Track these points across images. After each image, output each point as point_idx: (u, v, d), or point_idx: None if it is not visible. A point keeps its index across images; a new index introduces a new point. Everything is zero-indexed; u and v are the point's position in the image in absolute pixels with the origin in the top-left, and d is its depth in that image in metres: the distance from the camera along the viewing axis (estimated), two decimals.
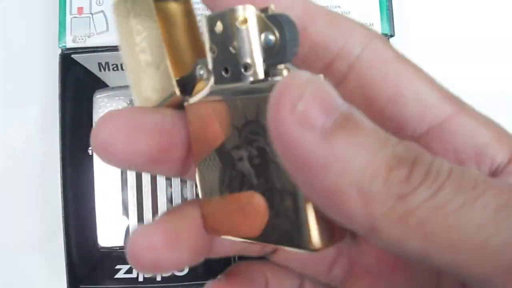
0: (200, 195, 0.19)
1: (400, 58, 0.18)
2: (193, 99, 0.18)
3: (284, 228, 0.16)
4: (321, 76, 0.14)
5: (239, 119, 0.17)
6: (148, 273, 0.18)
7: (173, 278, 0.34)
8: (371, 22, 0.35)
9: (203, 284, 0.33)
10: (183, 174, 0.20)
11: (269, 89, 0.14)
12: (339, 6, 0.35)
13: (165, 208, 0.34)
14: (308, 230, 0.15)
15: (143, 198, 0.34)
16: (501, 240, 0.13)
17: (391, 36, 0.35)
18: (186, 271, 0.35)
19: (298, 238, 0.16)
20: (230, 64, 0.17)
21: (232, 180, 0.18)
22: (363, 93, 0.18)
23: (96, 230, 0.34)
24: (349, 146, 0.13)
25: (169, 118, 0.19)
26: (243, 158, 0.17)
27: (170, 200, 0.35)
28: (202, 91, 0.18)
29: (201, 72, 0.18)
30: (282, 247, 0.17)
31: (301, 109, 0.13)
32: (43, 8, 0.39)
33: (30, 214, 0.38)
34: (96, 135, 0.18)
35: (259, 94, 0.16)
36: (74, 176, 0.34)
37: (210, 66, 0.17)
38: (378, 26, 0.34)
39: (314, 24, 0.18)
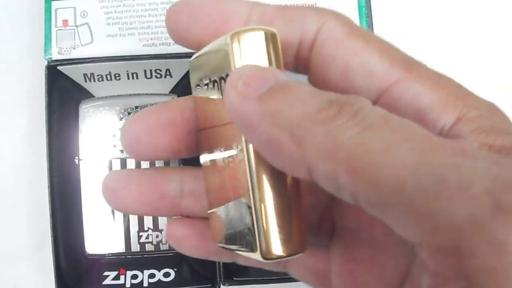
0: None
1: (352, 33, 0.19)
2: None
3: (248, 240, 0.19)
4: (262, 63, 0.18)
5: (222, 144, 0.20)
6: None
7: (160, 283, 0.35)
8: None
9: None
10: (197, 154, 0.23)
11: None
12: None
13: (151, 216, 0.35)
14: (265, 242, 0.18)
15: None
16: (418, 183, 0.13)
17: None
18: (172, 276, 0.35)
19: (257, 248, 0.18)
20: None
21: (222, 196, 0.20)
22: (321, 74, 0.20)
23: (84, 238, 0.35)
24: (280, 102, 0.16)
25: (178, 112, 0.22)
26: (226, 176, 0.20)
27: None
28: None
29: None
30: (245, 254, 0.19)
31: (240, 86, 0.17)
32: (29, 21, 0.40)
33: (19, 223, 0.38)
34: (124, 135, 0.22)
35: None
36: (61, 185, 0.35)
37: None
38: None
39: (272, 26, 0.19)
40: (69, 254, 0.35)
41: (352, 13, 0.35)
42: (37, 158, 0.37)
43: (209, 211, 0.22)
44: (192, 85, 0.22)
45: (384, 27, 0.39)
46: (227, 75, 0.18)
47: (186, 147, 0.22)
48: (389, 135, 0.14)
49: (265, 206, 0.18)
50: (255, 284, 0.34)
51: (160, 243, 0.35)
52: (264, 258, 0.18)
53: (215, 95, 0.20)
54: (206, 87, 0.20)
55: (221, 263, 0.34)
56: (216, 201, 0.21)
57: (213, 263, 0.34)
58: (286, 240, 0.18)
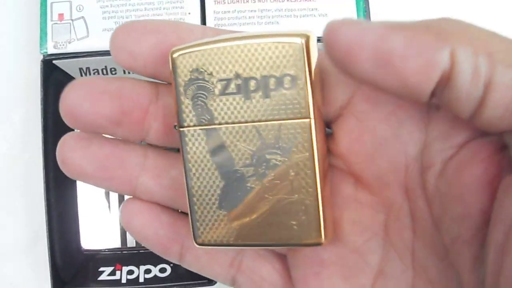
0: (190, 212, 0.21)
1: None
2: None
3: (296, 230, 0.20)
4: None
5: (255, 142, 0.20)
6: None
7: (156, 279, 0.34)
8: None
9: (185, 285, 0.34)
10: (144, 138, 0.22)
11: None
12: (316, 9, 0.35)
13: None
14: (320, 229, 0.20)
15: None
16: None
17: None
18: (168, 272, 0.35)
19: (310, 236, 0.20)
20: None
21: (238, 195, 0.21)
22: None
23: (80, 233, 0.35)
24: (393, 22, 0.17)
25: (129, 85, 0.21)
26: (255, 174, 0.20)
27: None
28: None
29: None
30: (291, 247, 0.21)
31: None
32: (25, 15, 0.39)
33: (14, 218, 0.38)
34: (64, 101, 0.20)
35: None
36: (57, 179, 0.35)
37: None
38: None
39: None
40: (65, 250, 0.35)
41: (349, 6, 0.35)
42: (33, 152, 0.37)
43: (195, 210, 0.21)
44: (182, 78, 0.20)
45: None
46: (284, 74, 0.19)
47: (130, 124, 0.21)
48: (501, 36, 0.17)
49: (324, 198, 0.20)
50: None
51: None
52: (320, 243, 0.20)
53: (242, 93, 0.20)
54: (221, 84, 0.20)
55: None
56: (219, 199, 0.21)
57: None
58: (331, 225, 0.21)
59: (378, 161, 0.20)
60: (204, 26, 0.21)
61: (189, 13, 0.34)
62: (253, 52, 0.19)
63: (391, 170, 0.20)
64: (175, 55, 0.20)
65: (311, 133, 0.20)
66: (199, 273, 0.24)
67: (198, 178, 0.21)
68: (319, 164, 0.20)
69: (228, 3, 0.35)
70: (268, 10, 0.35)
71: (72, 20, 0.34)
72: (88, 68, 0.35)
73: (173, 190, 0.22)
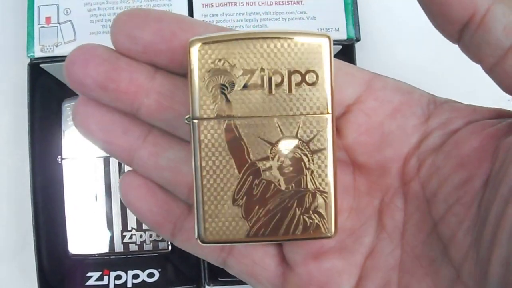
0: (197, 208, 0.21)
1: None
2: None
3: (308, 224, 0.21)
4: None
5: (275, 135, 0.20)
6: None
7: (144, 284, 0.34)
8: (336, 27, 0.35)
9: None
10: (135, 111, 0.22)
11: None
12: (304, 12, 0.35)
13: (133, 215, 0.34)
14: (332, 222, 0.21)
15: (113, 205, 0.35)
16: None
17: (357, 40, 0.35)
18: (156, 277, 0.35)
19: (321, 229, 0.21)
20: None
21: (253, 188, 0.21)
22: None
23: (67, 238, 0.34)
24: None
25: (126, 58, 0.21)
26: (272, 167, 0.20)
27: None
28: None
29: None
30: (305, 240, 0.21)
31: None
32: (12, 18, 0.39)
33: (2, 223, 0.38)
34: (66, 61, 0.21)
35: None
36: (44, 184, 0.34)
37: None
38: (343, 31, 0.35)
39: None
40: (52, 255, 0.35)
41: (338, 9, 0.35)
42: (20, 157, 0.37)
43: (206, 206, 0.21)
44: (206, 69, 0.20)
45: (369, 23, 0.39)
46: (309, 70, 0.20)
47: (116, 92, 0.21)
48: None
49: (336, 191, 0.21)
50: (240, 284, 0.34)
51: (144, 243, 0.34)
52: (331, 236, 0.21)
53: (266, 87, 0.20)
54: (245, 77, 0.20)
55: (206, 263, 0.34)
56: (233, 195, 0.21)
57: (198, 263, 0.34)
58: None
59: (384, 151, 0.22)
60: (206, 22, 0.22)
61: None
62: (279, 47, 0.20)
63: (394, 159, 0.22)
64: (194, 45, 0.20)
65: (330, 128, 0.20)
66: (190, 252, 0.24)
67: (210, 174, 0.20)
68: (334, 158, 0.21)
69: (216, 6, 0.35)
70: (256, 13, 0.35)
71: (59, 23, 0.34)
72: None
73: (168, 172, 0.23)
